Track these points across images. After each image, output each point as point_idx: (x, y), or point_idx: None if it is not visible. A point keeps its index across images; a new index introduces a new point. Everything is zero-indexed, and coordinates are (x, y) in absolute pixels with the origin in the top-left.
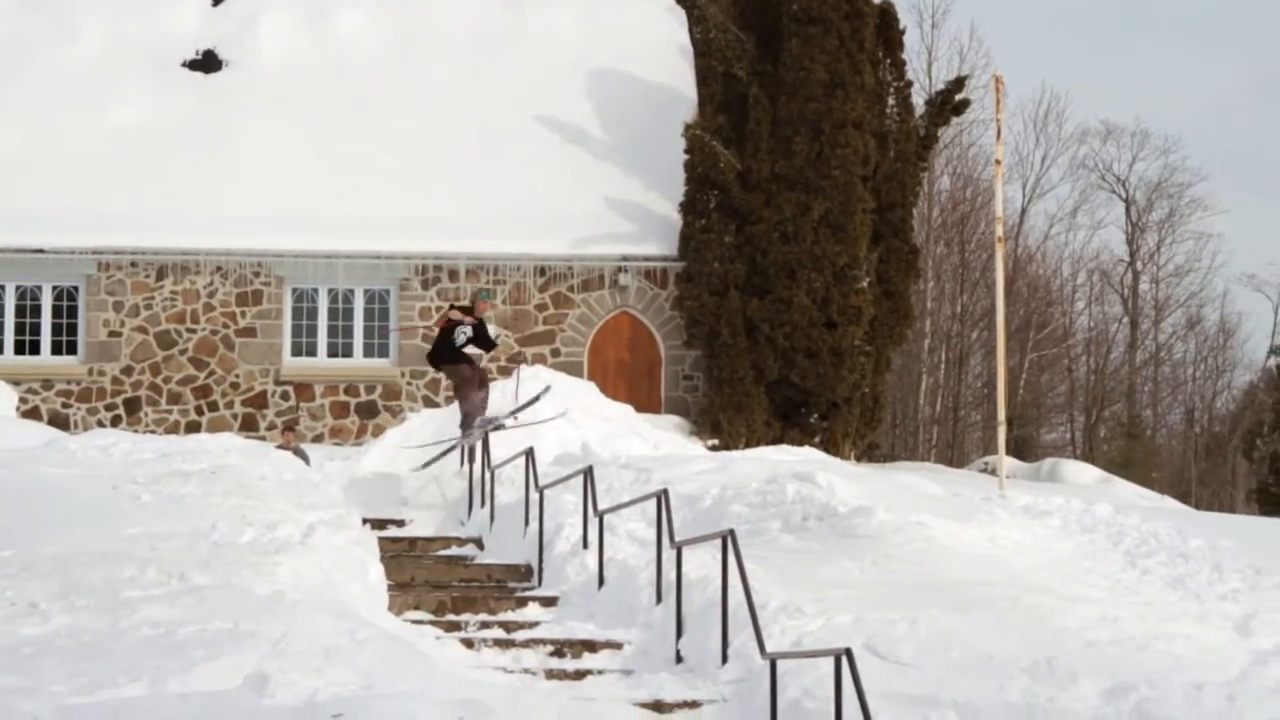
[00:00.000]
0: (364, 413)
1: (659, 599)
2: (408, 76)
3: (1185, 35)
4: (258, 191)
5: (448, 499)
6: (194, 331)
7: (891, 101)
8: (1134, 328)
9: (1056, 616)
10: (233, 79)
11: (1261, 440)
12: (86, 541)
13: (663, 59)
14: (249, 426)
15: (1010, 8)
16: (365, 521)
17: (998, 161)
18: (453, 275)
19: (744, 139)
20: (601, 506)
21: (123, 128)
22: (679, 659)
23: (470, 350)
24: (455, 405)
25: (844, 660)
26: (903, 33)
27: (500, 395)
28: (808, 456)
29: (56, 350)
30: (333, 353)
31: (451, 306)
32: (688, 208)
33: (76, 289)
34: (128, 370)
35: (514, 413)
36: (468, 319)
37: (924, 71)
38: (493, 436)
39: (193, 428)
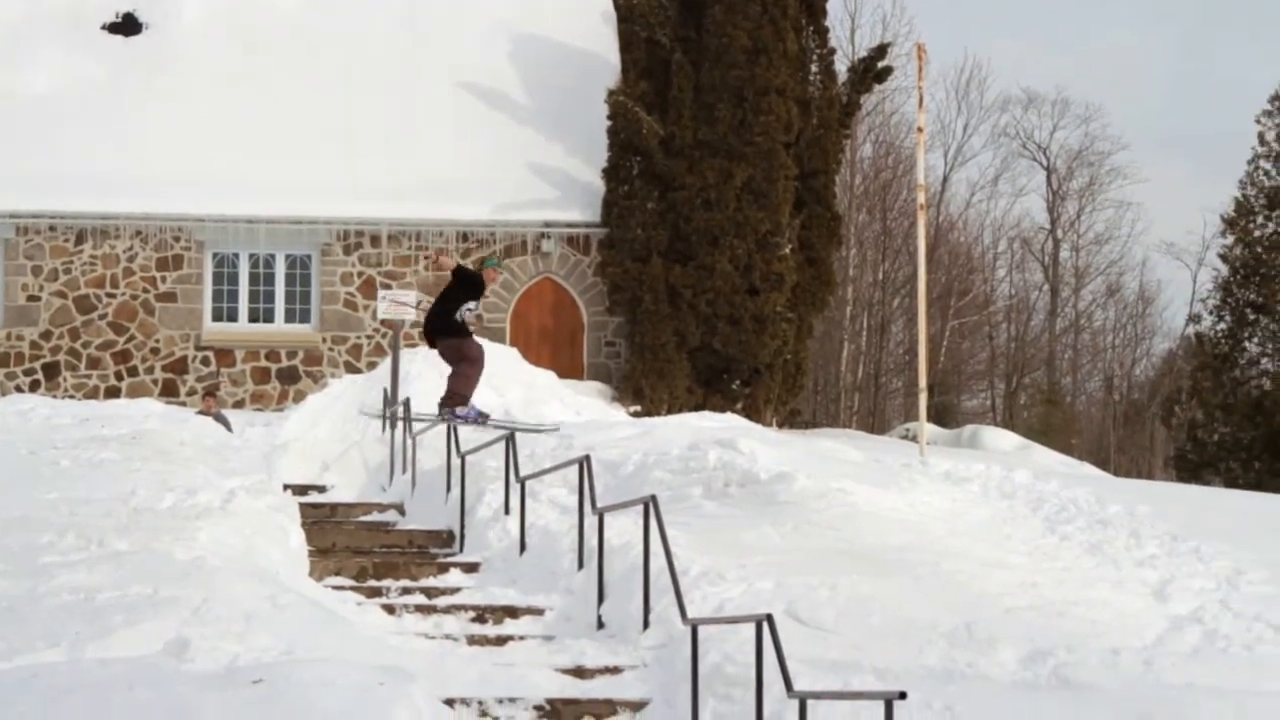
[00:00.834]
0: (285, 378)
1: (581, 565)
2: (330, 41)
3: (1106, 4)
4: (179, 155)
5: (369, 465)
6: (114, 296)
7: (814, 68)
8: (1054, 295)
9: (976, 582)
10: (153, 42)
11: (1179, 407)
12: (4, 507)
13: (586, 24)
14: (169, 392)
15: None
16: (286, 487)
17: (920, 129)
18: (375, 241)
19: (667, 105)
20: (524, 473)
21: (42, 91)
22: (600, 625)
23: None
24: (378, 372)
25: (765, 626)
26: None
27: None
28: (730, 423)
29: None
30: (254, 318)
31: (458, 268)
32: (611, 174)
33: None
34: (46, 335)
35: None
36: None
37: (847, 39)
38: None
39: (112, 393)
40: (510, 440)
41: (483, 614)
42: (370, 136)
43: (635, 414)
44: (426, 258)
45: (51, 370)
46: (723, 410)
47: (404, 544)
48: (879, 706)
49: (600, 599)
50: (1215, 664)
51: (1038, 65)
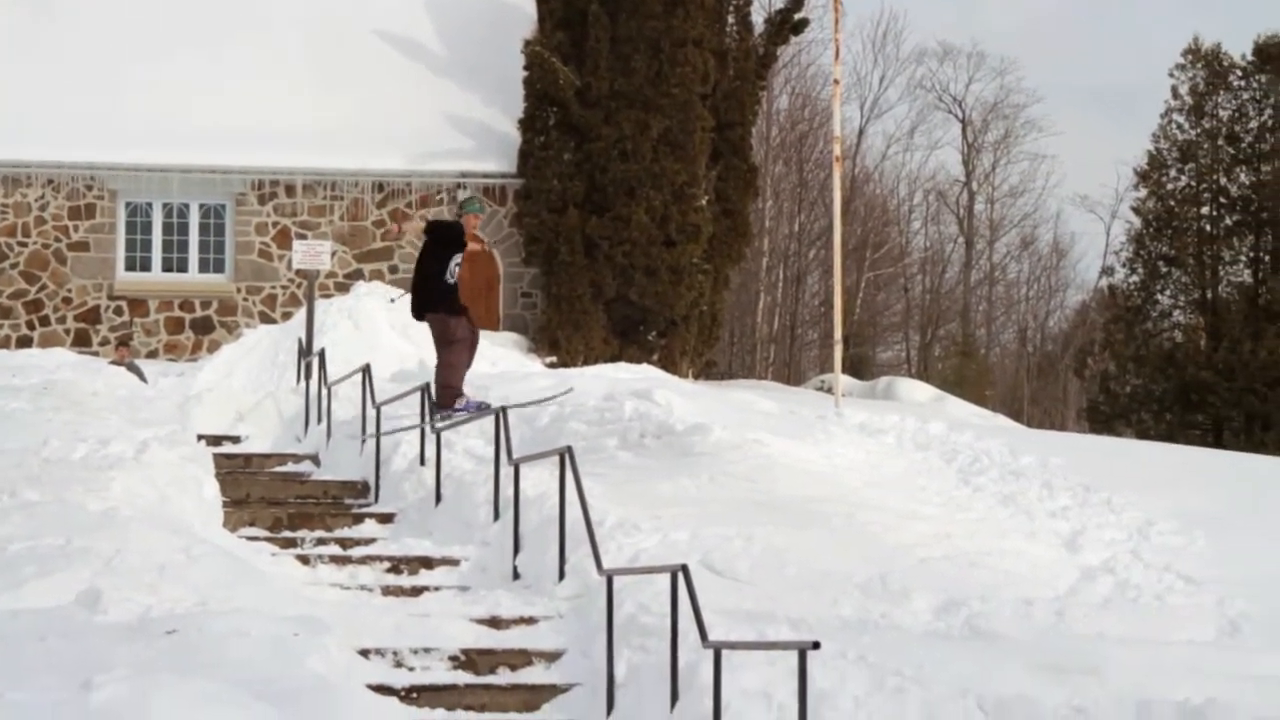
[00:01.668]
0: (199, 329)
1: (496, 516)
2: None
3: None
4: (91, 103)
5: (284, 415)
6: (25, 245)
7: (731, 20)
8: (969, 247)
9: (890, 533)
10: None
11: (1092, 359)
12: None
13: None
14: (82, 342)
15: None
16: (200, 438)
17: (836, 81)
18: (289, 190)
19: (584, 56)
20: (439, 423)
21: None
22: (516, 575)
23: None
24: (293, 323)
25: (680, 576)
26: None
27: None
28: (646, 374)
29: None
30: (167, 268)
31: (431, 224)
32: (527, 124)
33: None
34: None
35: (535, 402)
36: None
37: None
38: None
39: (24, 343)
40: (425, 392)
41: (398, 565)
42: (285, 85)
43: (551, 365)
44: (386, 233)
45: None
46: (639, 361)
47: (319, 495)
48: (793, 656)
49: (516, 550)
50: (1126, 614)
51: (954, 18)
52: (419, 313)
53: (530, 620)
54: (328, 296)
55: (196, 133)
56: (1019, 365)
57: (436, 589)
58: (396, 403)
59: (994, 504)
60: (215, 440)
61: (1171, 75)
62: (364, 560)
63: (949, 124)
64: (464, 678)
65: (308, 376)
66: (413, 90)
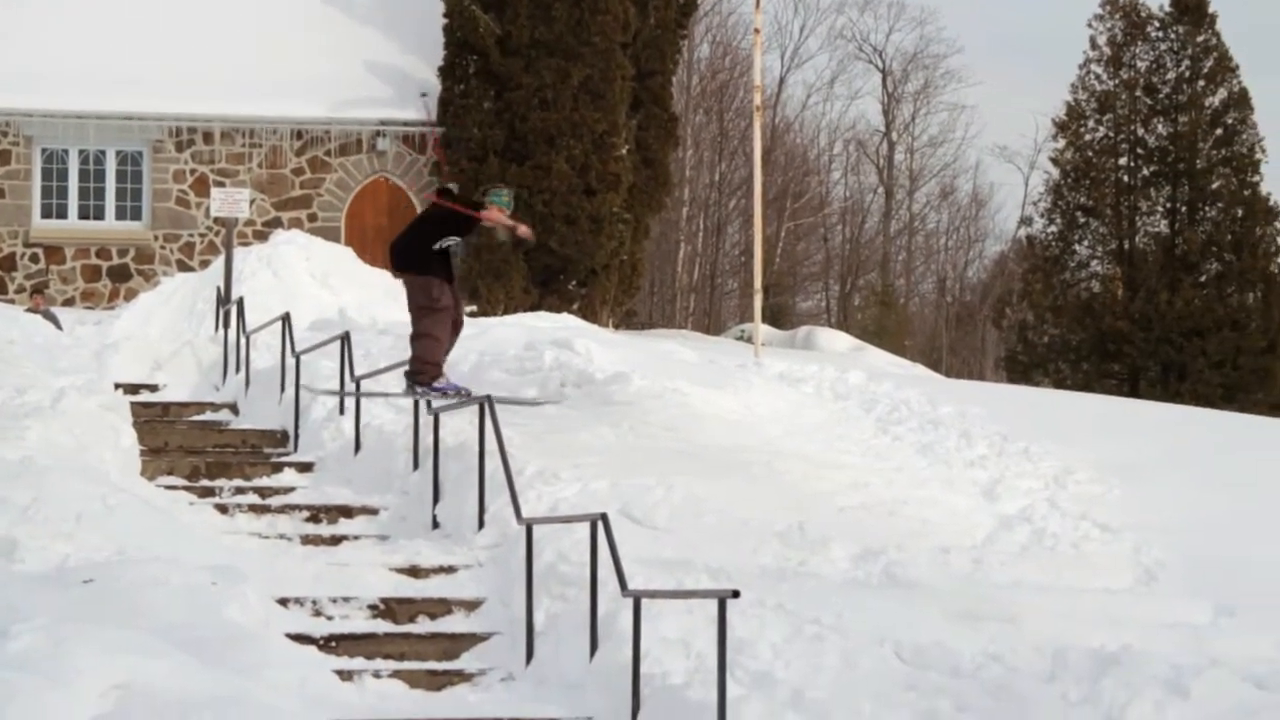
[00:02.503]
0: (116, 276)
1: (416, 465)
2: None
3: None
4: (6, 49)
5: (202, 364)
6: None
7: None
8: (889, 197)
9: (809, 482)
10: None
11: (1010, 309)
12: None
13: None
14: None
15: None
16: (118, 386)
17: (756, 30)
18: (207, 138)
19: (504, 4)
20: (359, 372)
21: None
22: (435, 525)
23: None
24: (211, 271)
25: (599, 525)
26: None
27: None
28: (566, 323)
29: None
30: (84, 215)
31: (440, 191)
32: (447, 73)
33: None
34: None
35: (521, 401)
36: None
37: None
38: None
39: None
40: (345, 340)
41: (317, 514)
42: (203, 32)
43: (471, 314)
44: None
45: None
46: (559, 311)
47: (237, 444)
48: (712, 605)
49: (435, 499)
50: (1043, 562)
51: None
52: (401, 267)
53: (450, 569)
54: (246, 245)
55: (114, 79)
56: (938, 315)
57: (356, 538)
58: (316, 351)
59: (912, 453)
60: (133, 389)
61: (1090, 26)
62: (283, 509)
63: (869, 74)
64: (383, 626)
65: (226, 325)
66: (332, 38)
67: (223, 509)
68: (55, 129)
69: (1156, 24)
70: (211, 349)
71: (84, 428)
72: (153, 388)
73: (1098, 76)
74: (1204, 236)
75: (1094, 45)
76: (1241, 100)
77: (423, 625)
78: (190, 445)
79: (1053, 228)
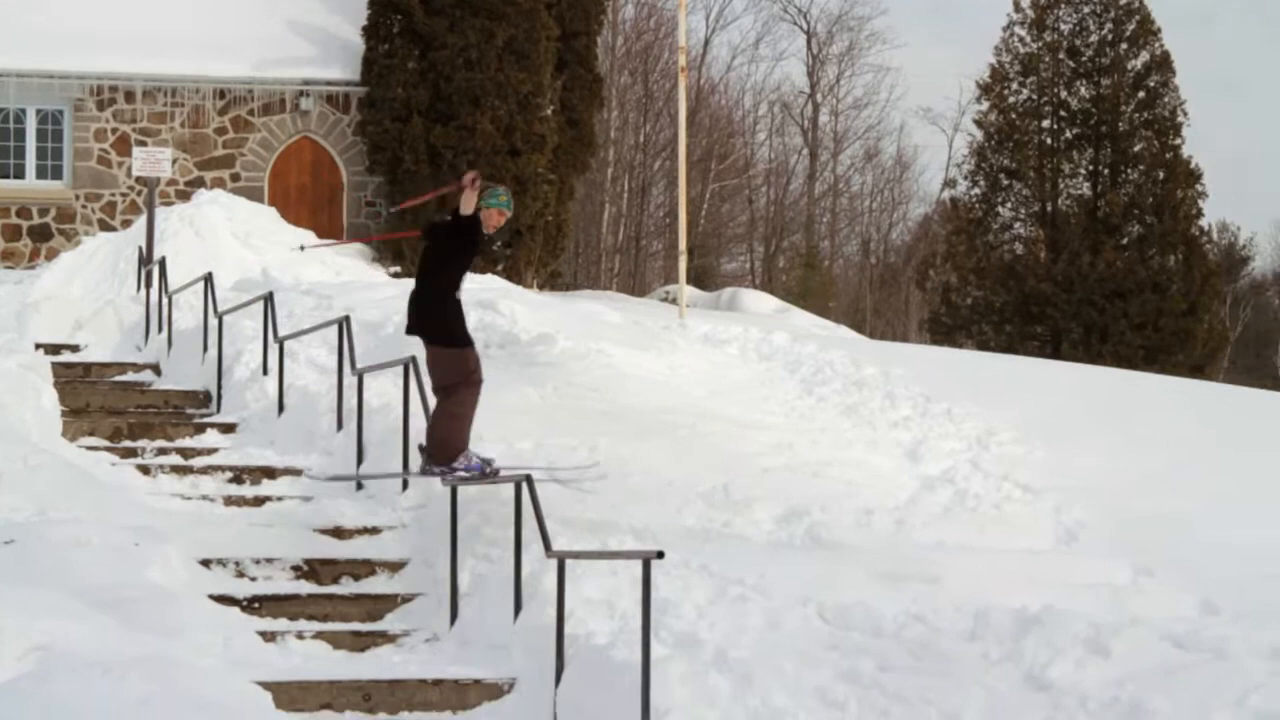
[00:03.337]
0: (37, 236)
1: (340, 426)
2: None
3: None
4: None
5: (124, 324)
6: None
7: None
8: (813, 159)
9: (733, 443)
10: None
11: (934, 271)
12: None
13: None
14: None
15: None
16: (38, 346)
17: None
18: (129, 97)
19: None
20: (282, 333)
21: None
22: (359, 485)
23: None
24: (133, 231)
25: (524, 486)
26: None
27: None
28: (490, 284)
29: None
30: (4, 174)
31: (430, 225)
32: (371, 32)
33: None
34: None
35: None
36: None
37: None
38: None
39: None
40: (269, 300)
41: (240, 475)
42: None
43: (395, 275)
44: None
45: None
46: (483, 272)
47: (160, 404)
48: (637, 566)
49: (359, 460)
50: (965, 523)
51: None
52: (427, 332)
53: (374, 530)
54: (169, 204)
55: (34, 37)
56: (862, 277)
57: (279, 499)
58: (239, 312)
59: (836, 414)
60: (54, 349)
61: None
62: (205, 470)
63: (794, 35)
64: (306, 587)
65: (148, 285)
66: None
67: (145, 470)
68: None
69: None
70: (134, 309)
71: (4, 387)
72: (74, 348)
73: (1021, 39)
74: (1126, 199)
75: (1017, 7)
76: (1164, 63)
77: (346, 586)
78: (112, 406)
79: (976, 190)
